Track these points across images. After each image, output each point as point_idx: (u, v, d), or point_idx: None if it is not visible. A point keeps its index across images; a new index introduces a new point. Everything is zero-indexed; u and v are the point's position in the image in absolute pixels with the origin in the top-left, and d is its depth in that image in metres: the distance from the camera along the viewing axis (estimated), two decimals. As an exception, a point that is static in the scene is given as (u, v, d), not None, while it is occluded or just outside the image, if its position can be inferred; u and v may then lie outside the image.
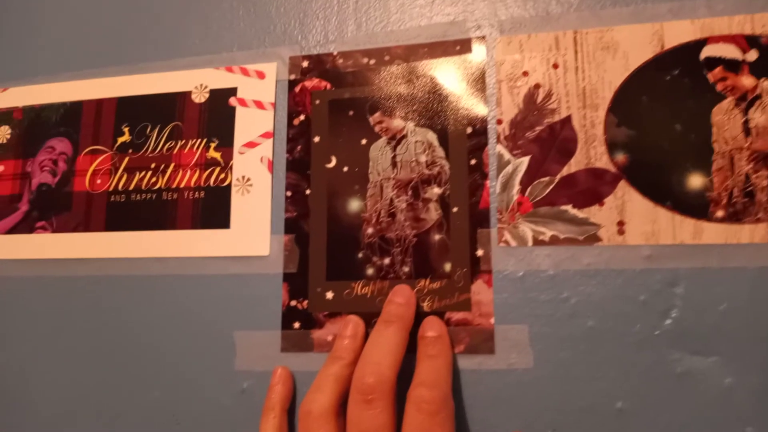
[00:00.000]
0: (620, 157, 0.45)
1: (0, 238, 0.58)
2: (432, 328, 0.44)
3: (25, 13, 0.62)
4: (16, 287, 0.56)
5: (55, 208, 0.57)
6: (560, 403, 0.43)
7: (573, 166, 0.46)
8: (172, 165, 0.54)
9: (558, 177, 0.46)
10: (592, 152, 0.45)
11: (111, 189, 0.55)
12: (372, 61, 0.51)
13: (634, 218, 0.44)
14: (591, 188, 0.45)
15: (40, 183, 0.58)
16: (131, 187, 0.55)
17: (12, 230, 0.57)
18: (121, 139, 0.56)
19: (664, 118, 0.45)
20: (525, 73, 0.48)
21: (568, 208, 0.45)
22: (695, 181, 0.44)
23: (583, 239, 0.44)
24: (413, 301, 0.45)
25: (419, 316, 0.46)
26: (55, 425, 0.53)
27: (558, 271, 0.45)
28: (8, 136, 0.60)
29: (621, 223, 0.44)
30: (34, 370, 0.54)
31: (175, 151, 0.54)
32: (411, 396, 0.40)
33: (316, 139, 0.51)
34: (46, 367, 0.54)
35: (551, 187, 0.46)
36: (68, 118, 0.58)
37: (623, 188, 0.44)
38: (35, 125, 0.59)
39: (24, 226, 0.57)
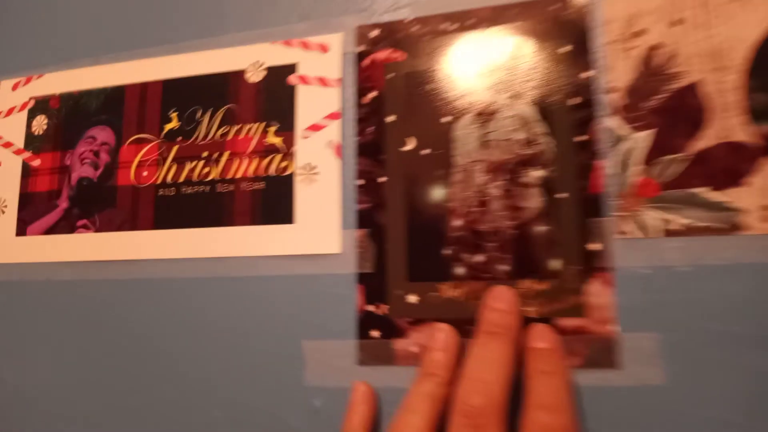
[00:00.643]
0: (765, 127, 0.37)
1: (38, 239, 0.52)
2: (542, 338, 0.37)
3: (60, -11, 0.56)
4: (57, 291, 0.50)
5: (98, 205, 0.51)
6: (700, 427, 0.36)
7: (707, 139, 0.38)
8: (227, 153, 0.48)
9: (689, 153, 0.38)
10: (729, 123, 0.38)
11: (159, 182, 0.49)
12: (453, 26, 0.44)
13: (787, 201, 0.36)
14: (730, 166, 0.37)
15: (80, 177, 0.52)
16: (181, 179, 0.49)
17: (51, 230, 0.52)
18: (168, 126, 0.50)
19: (818, 79, 0.37)
20: (640, 33, 0.40)
21: (704, 190, 0.37)
22: None
23: (724, 228, 0.37)
24: (517, 306, 0.38)
25: (524, 324, 0.39)
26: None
27: (694, 267, 0.37)
28: (45, 127, 0.54)
29: (770, 208, 0.36)
30: (78, 378, 0.48)
31: (229, 138, 0.48)
32: (529, 421, 0.34)
33: (391, 118, 0.44)
34: (94, 379, 0.48)
35: (681, 165, 0.38)
36: (110, 105, 0.52)
37: (771, 165, 0.37)
38: (74, 114, 0.53)
39: (64, 225, 0.51)
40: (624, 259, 0.38)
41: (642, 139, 0.39)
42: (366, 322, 0.43)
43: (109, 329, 0.49)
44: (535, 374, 0.36)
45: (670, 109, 0.39)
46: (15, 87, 0.56)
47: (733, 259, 0.37)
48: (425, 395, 0.37)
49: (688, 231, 0.37)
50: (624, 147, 0.39)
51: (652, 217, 0.38)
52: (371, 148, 0.45)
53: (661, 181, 0.38)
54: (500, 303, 0.38)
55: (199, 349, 0.46)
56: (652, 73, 0.40)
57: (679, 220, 0.38)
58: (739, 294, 0.36)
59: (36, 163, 0.54)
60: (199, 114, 0.49)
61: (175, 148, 0.50)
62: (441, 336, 0.39)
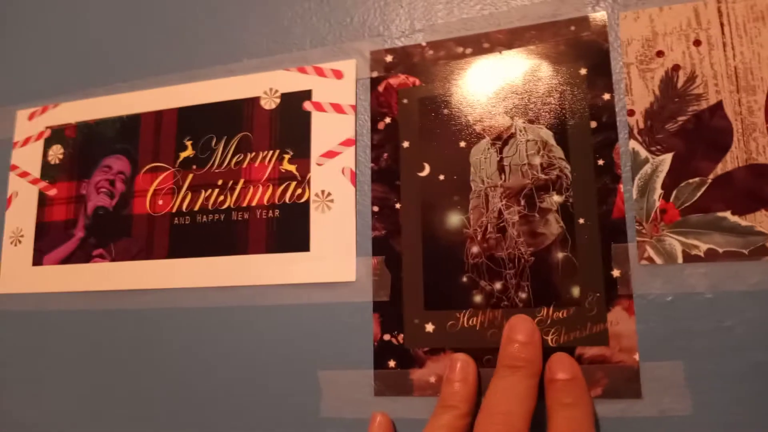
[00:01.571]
0: (790, 149, 0.36)
1: (54, 269, 0.52)
2: (563, 368, 0.36)
3: (75, 19, 0.56)
4: (73, 321, 0.50)
5: (114, 234, 0.51)
6: (730, 459, 0.34)
7: (729, 162, 0.37)
8: (242, 181, 0.47)
9: (711, 177, 0.37)
10: (753, 145, 0.37)
11: (174, 210, 0.49)
12: (468, 50, 0.44)
13: (814, 225, 0.35)
14: (754, 189, 0.36)
15: (96, 206, 0.52)
16: (196, 208, 0.48)
17: (67, 259, 0.52)
18: (183, 154, 0.50)
19: (843, 99, 0.36)
20: (659, 54, 0.39)
21: (727, 214, 0.36)
22: None
23: (748, 253, 0.36)
24: (538, 337, 0.37)
25: (544, 353, 0.38)
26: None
27: (718, 294, 0.36)
28: (61, 156, 0.54)
29: (797, 232, 0.35)
30: (93, 410, 0.48)
31: (244, 166, 0.48)
32: None
33: (406, 144, 0.44)
34: (106, 407, 0.47)
35: (703, 189, 0.37)
36: (125, 134, 0.52)
37: (797, 188, 0.36)
38: (90, 143, 0.54)
39: (80, 255, 0.51)
40: (645, 285, 0.37)
41: (663, 163, 0.38)
42: (382, 352, 0.42)
43: (124, 359, 0.48)
44: (556, 407, 0.35)
45: (691, 131, 0.38)
46: (31, 117, 0.56)
47: (757, 285, 0.36)
48: (444, 428, 0.36)
49: (711, 256, 0.36)
50: (644, 171, 0.38)
51: (674, 242, 0.37)
52: (386, 175, 0.44)
53: (683, 205, 0.37)
54: (520, 334, 0.37)
55: (215, 380, 0.45)
56: (672, 95, 0.39)
57: (701, 245, 0.37)
58: (764, 321, 0.35)
59: (52, 192, 0.54)
60: (213, 142, 0.49)
61: (190, 177, 0.49)
62: (459, 366, 0.38)
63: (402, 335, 0.42)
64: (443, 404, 0.37)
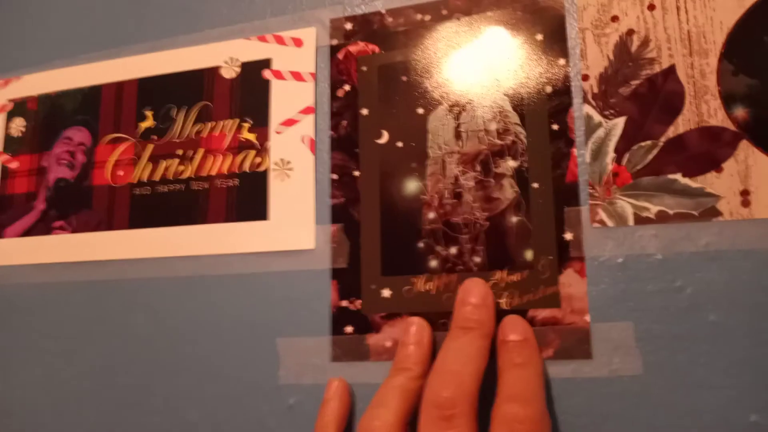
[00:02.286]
0: (740, 111, 0.36)
1: (15, 241, 0.51)
2: (515, 330, 0.36)
3: (35, -11, 0.56)
4: (34, 294, 0.50)
5: (75, 206, 0.50)
6: (677, 418, 0.35)
7: (681, 125, 0.37)
8: (202, 150, 0.47)
9: (662, 140, 0.37)
10: (704, 108, 0.37)
11: (135, 181, 0.49)
12: (427, 17, 0.44)
13: (762, 185, 0.35)
14: (705, 151, 0.36)
15: (57, 178, 0.51)
16: (157, 178, 0.48)
17: (28, 232, 0.51)
18: (144, 125, 0.49)
19: (793, 62, 0.36)
20: (614, 18, 0.39)
21: (678, 176, 0.37)
22: (839, 136, 0.35)
23: (698, 214, 0.36)
24: (491, 300, 0.37)
25: (497, 316, 0.38)
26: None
27: (669, 255, 0.36)
28: (23, 129, 0.54)
29: (745, 193, 0.35)
30: (52, 383, 0.48)
31: (204, 135, 0.47)
32: (499, 413, 0.33)
33: (365, 111, 0.44)
34: (66, 380, 0.47)
35: (655, 152, 0.37)
36: (86, 105, 0.52)
37: (746, 149, 0.36)
38: (51, 115, 0.53)
39: (41, 227, 0.51)
40: (597, 248, 0.38)
41: (616, 127, 0.38)
42: (340, 318, 0.42)
43: (87, 330, 0.48)
44: (507, 367, 0.35)
45: (644, 95, 0.38)
46: (-8, 89, 0.55)
47: (707, 245, 0.36)
48: (396, 388, 0.36)
49: (662, 218, 0.37)
50: (598, 135, 0.39)
51: (625, 205, 0.37)
52: (345, 142, 0.44)
53: (634, 168, 0.38)
54: (473, 297, 0.37)
55: (175, 348, 0.45)
56: (626, 59, 0.39)
57: (653, 207, 0.37)
58: (714, 281, 0.36)
59: (14, 165, 0.53)
60: (174, 112, 0.49)
61: (150, 147, 0.49)
62: (413, 329, 0.38)
63: (359, 301, 0.42)
64: (397, 366, 0.37)
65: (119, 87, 0.51)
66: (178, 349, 0.45)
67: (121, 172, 0.50)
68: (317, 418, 0.39)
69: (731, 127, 0.36)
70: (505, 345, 0.36)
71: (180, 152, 0.48)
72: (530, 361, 0.35)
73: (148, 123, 0.50)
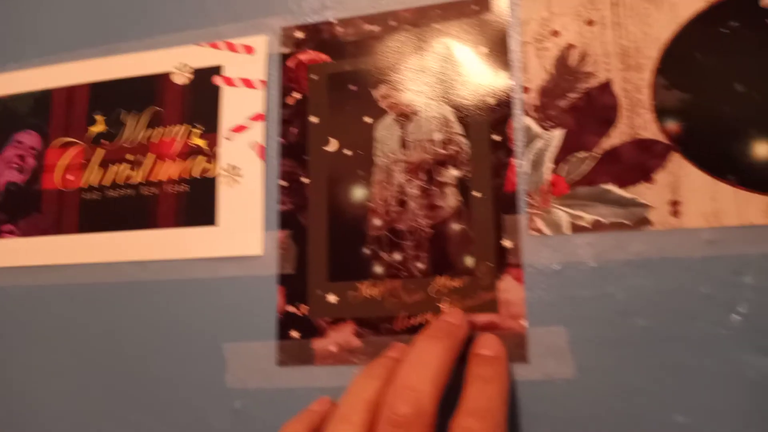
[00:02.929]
0: (672, 125, 0.38)
1: (-37, 245, 0.51)
2: (488, 346, 0.37)
3: (-14, -8, 0.55)
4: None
5: (24, 210, 0.50)
6: (608, 419, 0.36)
7: (615, 138, 0.38)
8: (152, 156, 0.48)
9: (598, 151, 0.39)
10: (638, 121, 0.38)
11: (85, 186, 0.49)
12: (376, 28, 0.45)
13: (692, 197, 0.37)
14: (638, 163, 0.38)
15: (7, 182, 0.51)
16: (107, 183, 0.48)
17: (-24, 235, 0.51)
18: (94, 129, 0.50)
19: (722, 78, 0.38)
20: (555, 33, 0.41)
21: (612, 187, 0.38)
22: (763, 149, 0.37)
23: (630, 223, 0.37)
24: (466, 325, 0.38)
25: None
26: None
27: (602, 263, 0.38)
28: (-26, 133, 0.53)
29: (675, 203, 0.37)
30: (1, 387, 0.47)
31: (154, 141, 0.48)
32: (457, 427, 0.32)
33: (314, 119, 0.44)
34: (14, 383, 0.47)
35: (590, 163, 0.39)
36: (37, 109, 0.52)
37: (677, 162, 0.37)
38: (2, 119, 0.53)
39: (-11, 231, 0.51)
40: (535, 255, 0.39)
41: (554, 138, 0.40)
42: (286, 323, 0.42)
43: (34, 334, 0.48)
44: (473, 380, 0.35)
45: (581, 108, 0.40)
46: (-59, 91, 0.55)
47: (640, 254, 0.37)
48: (361, 402, 0.34)
49: (597, 227, 0.38)
50: (537, 146, 0.40)
51: (562, 214, 0.39)
52: (295, 149, 0.45)
53: (571, 179, 0.39)
54: (451, 317, 0.38)
55: (122, 353, 0.45)
56: (565, 72, 0.40)
57: (588, 216, 0.38)
58: (646, 288, 0.37)
59: (-37, 168, 0.53)
60: (124, 117, 0.49)
61: (100, 152, 0.49)
62: (397, 347, 0.39)
63: (306, 306, 0.42)
64: (367, 373, 0.36)
65: (70, 91, 0.51)
66: (126, 353, 0.45)
67: (71, 177, 0.50)
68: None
69: (663, 139, 0.38)
70: (475, 358, 0.36)
71: (130, 157, 0.48)
72: (496, 378, 0.35)
73: (99, 128, 0.50)
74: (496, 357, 0.37)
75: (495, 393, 0.34)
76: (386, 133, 0.43)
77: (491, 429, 0.32)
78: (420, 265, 0.41)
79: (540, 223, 0.39)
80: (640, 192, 0.38)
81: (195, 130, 0.47)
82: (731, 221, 0.36)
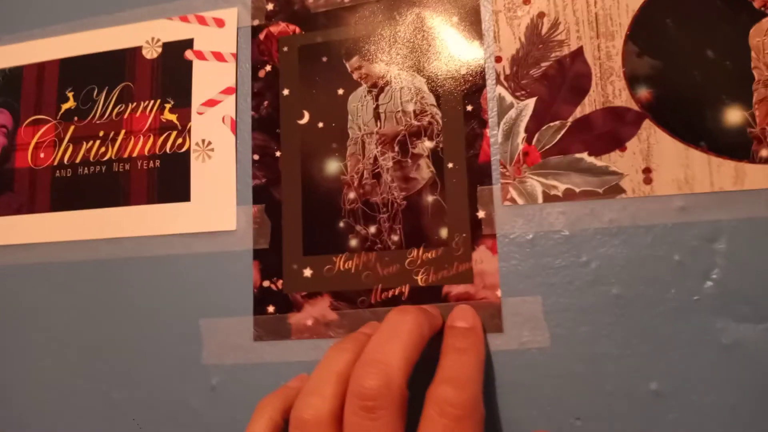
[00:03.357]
0: (643, 92, 0.38)
1: (-66, 225, 0.50)
2: (463, 317, 0.37)
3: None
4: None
5: (-4, 189, 0.49)
6: (584, 387, 0.37)
7: (587, 106, 0.38)
8: (123, 132, 0.47)
9: (570, 120, 0.38)
10: (610, 89, 0.38)
11: (56, 163, 0.48)
12: (346, -1, 0.44)
13: (663, 164, 0.37)
14: (610, 131, 0.38)
15: (-22, 161, 0.50)
16: (78, 160, 0.48)
17: (-53, 216, 0.50)
18: (65, 106, 0.49)
19: (693, 45, 0.38)
20: (526, 1, 0.40)
21: (584, 155, 0.38)
22: (734, 116, 0.36)
23: (603, 192, 0.37)
24: (439, 315, 0.38)
25: (414, 293, 0.39)
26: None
27: (575, 231, 0.38)
28: (-57, 111, 0.52)
29: (647, 171, 0.37)
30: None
31: (125, 116, 0.47)
32: (433, 395, 0.32)
33: (286, 92, 0.44)
34: (-12, 369, 0.47)
35: (563, 132, 0.38)
36: (8, 87, 0.51)
37: (648, 129, 0.37)
38: (-28, 97, 0.52)
39: (-39, 211, 0.50)
40: (508, 225, 0.39)
41: (526, 108, 0.39)
42: (262, 298, 0.42)
43: (6, 314, 0.47)
44: (449, 351, 0.35)
45: (553, 76, 0.39)
46: None
47: (613, 222, 0.37)
48: (332, 374, 0.34)
49: (569, 196, 0.38)
50: (509, 116, 0.40)
51: (535, 183, 0.38)
52: (267, 123, 0.44)
53: (544, 148, 0.39)
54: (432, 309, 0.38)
55: (98, 331, 0.45)
56: (536, 41, 0.40)
57: (560, 185, 0.38)
58: (619, 256, 0.37)
59: (-67, 147, 0.52)
60: (95, 92, 0.48)
61: (71, 128, 0.49)
62: (371, 323, 0.39)
63: (281, 281, 0.42)
64: (338, 346, 0.36)
65: (41, 68, 0.51)
66: (101, 331, 0.45)
67: (42, 154, 0.49)
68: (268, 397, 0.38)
69: (635, 107, 0.38)
70: (450, 330, 0.36)
71: (101, 133, 0.48)
72: (472, 348, 0.35)
73: (70, 104, 0.49)
74: (471, 328, 0.37)
75: (471, 363, 0.34)
76: (359, 104, 0.43)
77: (470, 397, 0.32)
78: (395, 238, 0.40)
79: (513, 193, 0.39)
80: (612, 160, 0.38)
81: (166, 104, 0.46)
82: (703, 188, 0.36)
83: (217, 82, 0.46)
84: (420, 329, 0.35)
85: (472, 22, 0.41)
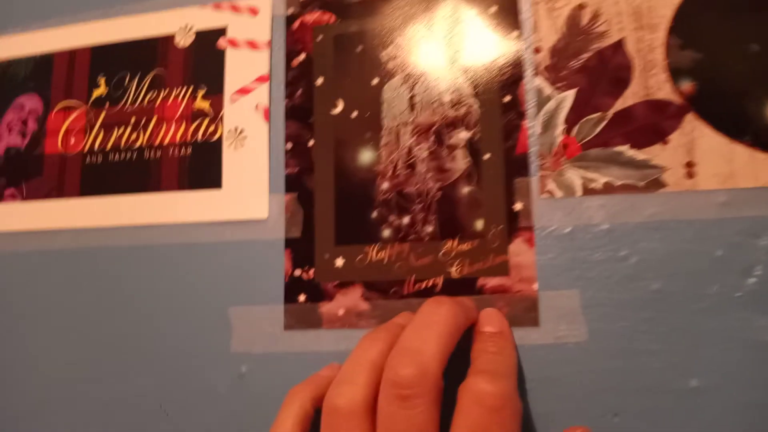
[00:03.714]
0: (686, 85, 0.37)
1: (-37, 210, 0.50)
2: (490, 322, 0.36)
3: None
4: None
5: (25, 174, 0.50)
6: (621, 383, 0.36)
7: (629, 98, 0.38)
8: (155, 118, 0.47)
9: (611, 112, 0.38)
10: (652, 81, 0.37)
11: (86, 149, 0.48)
12: (383, -12, 0.43)
13: (706, 158, 0.36)
14: (652, 124, 0.37)
15: (8, 146, 0.50)
16: (108, 147, 0.48)
17: (-23, 200, 0.50)
18: (96, 92, 0.49)
19: (737, 37, 0.37)
20: (566, -8, 0.40)
21: (625, 148, 0.37)
22: (779, 110, 0.36)
23: (644, 185, 0.37)
24: (474, 306, 0.37)
25: (448, 285, 0.38)
26: (26, 419, 0.45)
27: (614, 225, 0.37)
28: (-27, 96, 0.52)
29: (690, 165, 0.36)
30: (2, 354, 0.47)
31: (157, 103, 0.47)
32: (467, 386, 0.31)
33: (320, 81, 0.44)
34: (15, 353, 0.47)
35: (603, 124, 0.38)
36: (38, 73, 0.51)
37: (691, 122, 0.37)
38: (3, 82, 0.52)
39: (-9, 195, 0.50)
40: (546, 218, 0.38)
41: (566, 99, 0.39)
42: (293, 287, 0.42)
43: (35, 300, 0.47)
44: (479, 354, 0.34)
45: (593, 68, 0.39)
46: (-61, 53, 0.54)
47: (653, 216, 0.37)
48: (366, 363, 0.33)
49: (609, 189, 0.37)
50: (548, 107, 0.39)
51: (574, 176, 0.38)
52: (300, 112, 0.44)
53: (583, 140, 0.38)
54: (458, 299, 0.37)
55: (127, 318, 0.45)
56: (577, 32, 0.40)
57: (600, 178, 0.38)
58: (659, 251, 0.36)
59: (-37, 132, 0.52)
60: (127, 79, 0.48)
61: (102, 115, 0.48)
62: (403, 314, 0.38)
63: (312, 270, 0.42)
64: (371, 336, 0.35)
65: (72, 54, 0.50)
66: (130, 318, 0.45)
67: (72, 141, 0.49)
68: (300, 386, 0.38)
69: (678, 100, 0.37)
70: (480, 335, 0.36)
71: (133, 120, 0.48)
72: (504, 351, 0.34)
73: (101, 91, 0.49)
74: (500, 332, 0.36)
75: (504, 360, 0.34)
76: (394, 94, 0.42)
77: (504, 386, 0.31)
78: (429, 229, 0.40)
79: (551, 186, 0.38)
80: (653, 153, 0.37)
81: (198, 92, 0.46)
82: (746, 183, 0.36)
83: (250, 70, 0.46)
84: (455, 319, 0.34)
85: (510, 13, 0.41)
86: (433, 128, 0.41)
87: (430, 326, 0.33)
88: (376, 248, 0.41)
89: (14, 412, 0.46)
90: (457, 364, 0.33)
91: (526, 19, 0.41)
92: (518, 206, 0.39)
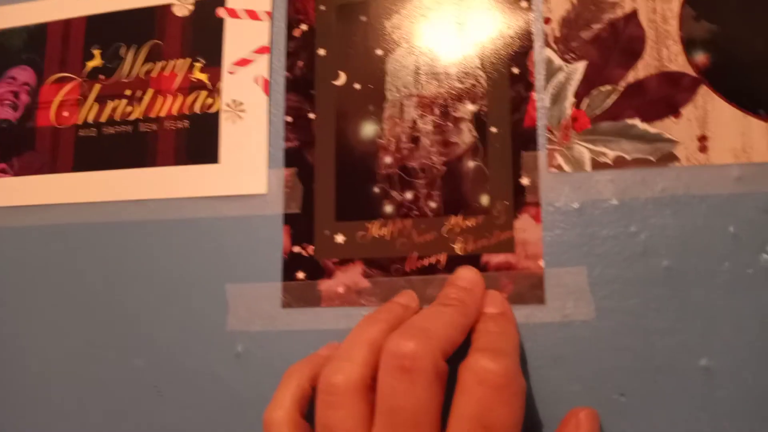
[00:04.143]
0: (700, 57, 0.36)
1: (-47, 184, 0.49)
2: (493, 303, 0.35)
3: None
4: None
5: (17, 148, 0.48)
6: (629, 362, 0.35)
7: (641, 70, 0.37)
8: (151, 91, 0.45)
9: (622, 85, 0.37)
10: (665, 53, 0.36)
11: (80, 122, 0.47)
12: (387, -43, 0.42)
13: (720, 131, 0.35)
14: (664, 97, 0.36)
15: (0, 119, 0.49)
16: (103, 119, 0.46)
17: (-33, 174, 0.49)
18: (91, 64, 0.47)
19: (754, 8, 0.36)
20: (577, -39, 0.38)
21: (636, 122, 0.36)
22: (796, 84, 0.34)
23: (655, 160, 0.36)
24: (480, 289, 0.36)
25: (453, 260, 0.37)
26: (18, 397, 0.44)
27: (624, 200, 0.36)
28: (-36, 68, 0.51)
29: (703, 138, 0.35)
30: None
31: (154, 75, 0.46)
32: (469, 365, 0.30)
33: (321, 52, 0.42)
34: (7, 329, 0.45)
35: (614, 97, 0.37)
36: (32, 44, 0.50)
37: (705, 95, 0.35)
38: (-5, 54, 0.50)
39: (-19, 169, 0.49)
40: (554, 193, 0.37)
41: (576, 71, 0.38)
42: (292, 264, 0.41)
43: (29, 276, 0.46)
44: (481, 334, 0.33)
45: (605, 39, 0.38)
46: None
47: (665, 191, 0.36)
48: (364, 341, 0.32)
49: (619, 164, 0.36)
50: (558, 79, 0.38)
51: (583, 150, 0.37)
52: (301, 84, 0.43)
53: (594, 113, 0.37)
54: (462, 281, 0.36)
55: (121, 294, 0.44)
56: (588, 2, 0.38)
57: (610, 152, 0.36)
58: (670, 227, 0.35)
59: (-46, 105, 0.51)
60: (123, 50, 0.47)
61: (97, 87, 0.47)
62: (404, 294, 0.38)
63: (312, 247, 0.41)
64: (371, 317, 0.35)
65: (66, 24, 0.49)
66: (123, 295, 0.44)
67: (66, 113, 0.48)
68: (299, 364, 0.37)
69: (691, 72, 0.36)
70: (482, 316, 0.35)
71: (128, 92, 0.46)
72: (506, 331, 0.34)
73: (96, 62, 0.48)
74: (502, 313, 0.35)
75: (506, 339, 0.33)
76: (398, 66, 0.41)
77: (508, 367, 0.30)
78: (432, 204, 0.39)
79: (560, 160, 0.37)
80: (666, 127, 0.36)
81: (196, 63, 0.45)
82: (761, 157, 0.35)
83: (250, 40, 0.44)
84: (462, 319, 0.34)
85: (520, -17, 0.40)
86: (438, 101, 0.40)
87: (438, 317, 0.33)
88: (377, 224, 0.40)
89: (5, 389, 0.45)
90: (457, 364, 0.32)
91: (536, -11, 0.39)
92: (525, 181, 0.38)
